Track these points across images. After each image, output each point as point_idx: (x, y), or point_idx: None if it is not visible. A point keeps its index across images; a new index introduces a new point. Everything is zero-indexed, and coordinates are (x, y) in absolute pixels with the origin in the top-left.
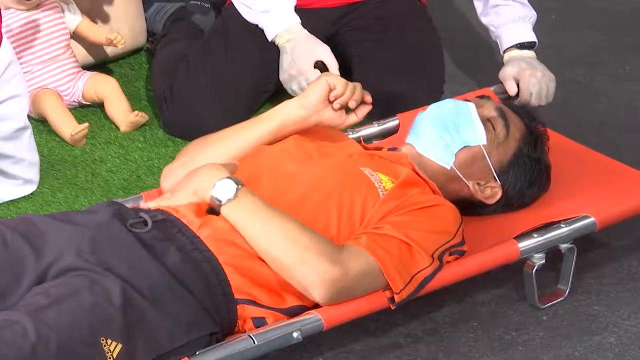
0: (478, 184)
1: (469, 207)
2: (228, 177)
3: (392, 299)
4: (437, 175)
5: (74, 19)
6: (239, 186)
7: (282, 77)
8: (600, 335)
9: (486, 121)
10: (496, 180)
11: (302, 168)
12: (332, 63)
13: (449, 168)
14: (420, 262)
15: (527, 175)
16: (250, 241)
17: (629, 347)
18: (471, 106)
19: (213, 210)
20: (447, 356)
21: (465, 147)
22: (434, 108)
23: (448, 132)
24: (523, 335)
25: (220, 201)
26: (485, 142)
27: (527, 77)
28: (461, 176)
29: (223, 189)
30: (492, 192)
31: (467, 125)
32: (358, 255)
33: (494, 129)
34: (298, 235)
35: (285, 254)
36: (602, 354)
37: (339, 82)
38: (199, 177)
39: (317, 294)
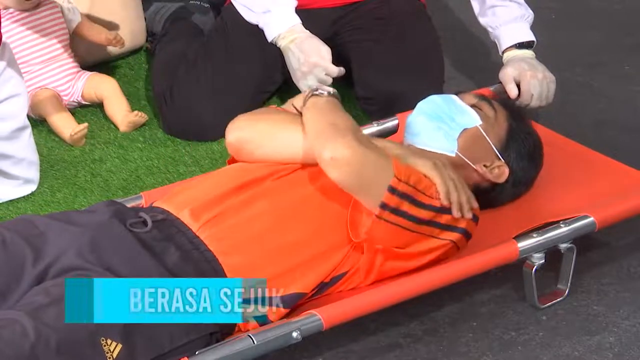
0: (485, 165)
1: (479, 196)
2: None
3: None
4: None
5: (74, 19)
6: (333, 93)
7: (295, 76)
8: (600, 335)
9: (472, 106)
10: (500, 158)
11: (306, 168)
12: (332, 67)
13: (454, 155)
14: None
15: (525, 148)
16: (309, 119)
17: (628, 347)
18: (454, 96)
19: None
20: (447, 356)
21: (463, 130)
22: (422, 105)
23: (444, 121)
24: (523, 335)
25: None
26: (481, 122)
27: (528, 78)
28: (467, 161)
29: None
30: (500, 171)
31: (459, 111)
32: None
33: (481, 111)
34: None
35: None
36: (601, 353)
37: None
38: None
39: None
